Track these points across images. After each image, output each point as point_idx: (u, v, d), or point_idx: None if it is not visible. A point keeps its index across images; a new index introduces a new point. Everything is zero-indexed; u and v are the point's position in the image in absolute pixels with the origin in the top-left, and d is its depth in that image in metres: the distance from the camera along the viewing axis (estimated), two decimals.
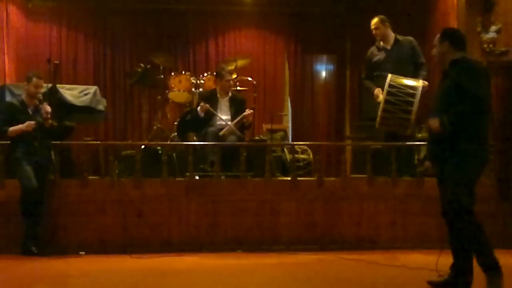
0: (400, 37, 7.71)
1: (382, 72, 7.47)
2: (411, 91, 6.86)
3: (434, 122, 4.74)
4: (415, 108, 6.79)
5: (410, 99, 6.79)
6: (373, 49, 7.85)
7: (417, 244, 7.26)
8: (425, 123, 6.78)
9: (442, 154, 4.83)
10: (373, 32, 7.77)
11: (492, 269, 4.66)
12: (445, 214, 4.82)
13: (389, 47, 7.70)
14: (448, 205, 4.78)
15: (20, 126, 6.88)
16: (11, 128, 6.87)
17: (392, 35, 7.72)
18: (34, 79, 7.10)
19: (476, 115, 4.69)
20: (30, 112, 7.04)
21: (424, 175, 7.06)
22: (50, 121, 7.03)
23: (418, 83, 7.04)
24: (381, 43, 7.75)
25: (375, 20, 7.74)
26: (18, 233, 6.86)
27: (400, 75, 7.15)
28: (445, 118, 4.68)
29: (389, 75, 7.03)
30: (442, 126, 4.69)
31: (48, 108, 6.99)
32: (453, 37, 4.98)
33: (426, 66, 7.55)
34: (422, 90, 6.96)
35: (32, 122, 6.91)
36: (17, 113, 6.97)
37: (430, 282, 4.91)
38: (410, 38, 7.72)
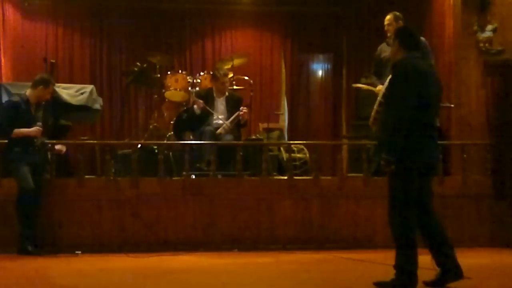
0: None
1: (387, 69, 7.42)
2: None
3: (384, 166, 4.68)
4: None
5: None
6: (383, 45, 7.80)
7: None
8: None
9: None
10: (385, 28, 7.68)
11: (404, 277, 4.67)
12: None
13: None
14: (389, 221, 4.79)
15: (26, 131, 6.85)
16: (17, 130, 6.82)
17: None
18: (51, 86, 7.11)
19: (405, 124, 4.56)
20: (33, 112, 7.01)
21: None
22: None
23: None
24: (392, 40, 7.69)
25: (389, 16, 7.65)
26: (14, 233, 6.84)
27: None
28: (385, 156, 4.62)
29: (390, 77, 6.99)
30: (388, 161, 4.63)
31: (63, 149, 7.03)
32: (402, 37, 4.90)
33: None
34: None
35: (40, 129, 6.89)
36: (21, 113, 6.92)
37: (425, 282, 4.91)
38: (422, 39, 7.51)
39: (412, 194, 4.70)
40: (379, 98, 6.79)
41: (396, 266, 4.76)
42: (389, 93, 4.79)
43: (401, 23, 7.61)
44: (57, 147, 7.12)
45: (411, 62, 4.76)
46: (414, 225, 4.75)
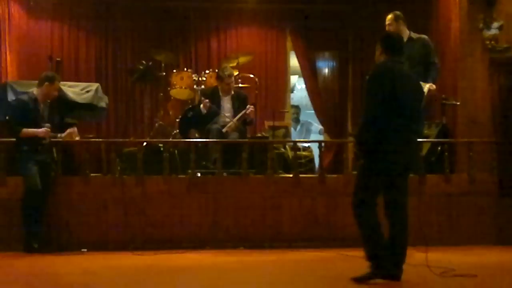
0: (414, 35, 7.45)
1: None
2: None
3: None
4: None
5: None
6: None
7: (418, 241, 7.23)
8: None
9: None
10: (386, 27, 7.62)
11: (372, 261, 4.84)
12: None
13: None
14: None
15: (35, 131, 6.87)
16: (25, 130, 6.85)
17: (406, 33, 7.46)
18: (57, 82, 7.13)
19: (373, 121, 4.82)
20: (41, 111, 7.03)
21: None
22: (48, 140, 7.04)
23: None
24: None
25: (389, 16, 7.58)
26: (20, 230, 6.87)
27: None
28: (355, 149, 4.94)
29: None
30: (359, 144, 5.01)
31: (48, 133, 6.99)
32: (385, 42, 5.12)
33: (437, 66, 7.22)
34: (428, 94, 6.77)
35: (48, 131, 6.92)
36: (29, 111, 6.95)
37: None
38: (424, 36, 7.41)
39: (375, 188, 4.98)
40: None
41: (368, 257, 4.92)
42: (364, 92, 5.01)
43: (401, 22, 7.52)
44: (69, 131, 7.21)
45: (388, 65, 4.99)
46: (376, 213, 4.97)
